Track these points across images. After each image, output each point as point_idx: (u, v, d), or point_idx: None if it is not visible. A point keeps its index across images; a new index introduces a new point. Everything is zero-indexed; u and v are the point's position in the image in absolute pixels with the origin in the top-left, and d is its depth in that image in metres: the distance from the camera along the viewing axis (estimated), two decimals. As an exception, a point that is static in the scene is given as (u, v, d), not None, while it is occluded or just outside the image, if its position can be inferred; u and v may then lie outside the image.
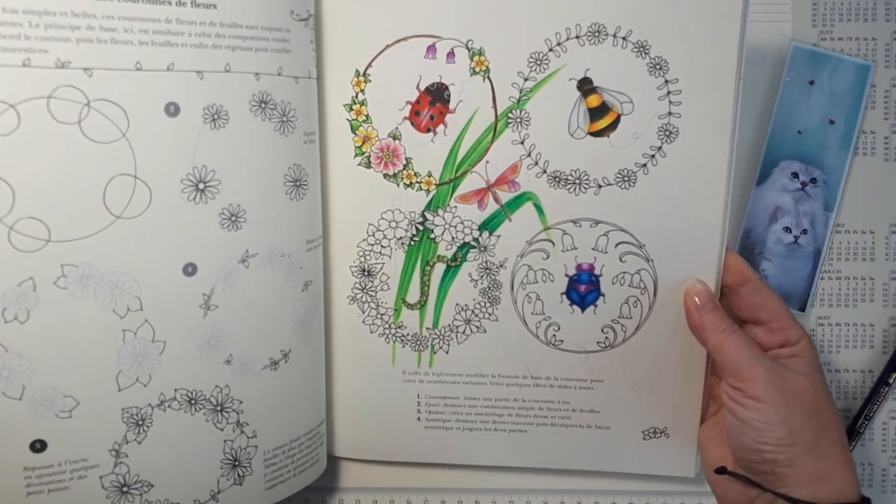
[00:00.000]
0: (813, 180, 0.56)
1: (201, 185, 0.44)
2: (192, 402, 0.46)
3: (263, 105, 0.46)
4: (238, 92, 0.45)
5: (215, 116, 0.44)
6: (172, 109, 0.43)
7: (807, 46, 0.56)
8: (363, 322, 0.55)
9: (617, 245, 0.52)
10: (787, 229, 0.57)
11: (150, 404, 0.45)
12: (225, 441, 0.47)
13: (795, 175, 0.56)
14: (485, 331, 0.54)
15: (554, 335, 0.53)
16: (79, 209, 0.41)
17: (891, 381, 0.56)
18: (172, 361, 0.45)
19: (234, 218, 0.46)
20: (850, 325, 0.58)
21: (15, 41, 0.38)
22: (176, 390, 0.45)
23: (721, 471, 0.48)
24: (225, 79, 0.44)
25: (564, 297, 0.53)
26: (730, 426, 0.46)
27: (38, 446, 0.42)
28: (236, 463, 0.48)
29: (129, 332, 0.43)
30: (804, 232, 0.57)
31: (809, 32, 0.56)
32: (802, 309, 0.58)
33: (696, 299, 0.49)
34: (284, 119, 0.47)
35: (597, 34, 0.49)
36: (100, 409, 0.43)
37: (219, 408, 0.47)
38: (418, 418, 0.56)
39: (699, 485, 0.55)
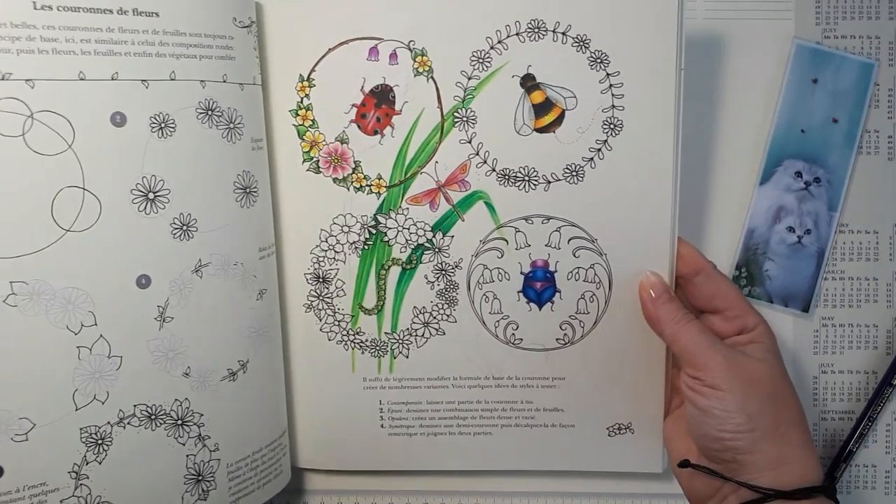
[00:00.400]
0: (816, 179, 0.56)
1: (151, 195, 0.44)
2: (152, 417, 0.45)
3: (210, 112, 0.46)
4: (184, 100, 0.45)
5: (162, 125, 0.44)
6: (118, 119, 0.42)
7: (810, 45, 0.56)
8: (321, 330, 0.55)
9: (570, 240, 0.52)
10: (791, 229, 0.57)
11: (108, 422, 0.44)
12: (187, 456, 0.47)
13: (799, 174, 0.56)
14: (444, 333, 0.54)
15: (513, 334, 0.54)
16: (26, 223, 0.40)
17: (895, 382, 0.56)
18: (130, 376, 0.44)
19: (185, 227, 0.45)
20: (853, 326, 0.58)
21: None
22: (135, 406, 0.45)
23: (684, 464, 0.48)
24: (170, 87, 0.44)
25: (521, 295, 0.53)
26: (690, 416, 0.47)
27: (-6, 472, 0.41)
28: (200, 478, 0.47)
29: (83, 349, 0.43)
30: (808, 232, 0.57)
31: (813, 31, 0.56)
32: (806, 309, 0.58)
33: (651, 292, 0.49)
34: (231, 126, 0.48)
35: (537, 30, 0.50)
36: (57, 431, 0.43)
37: (179, 422, 0.46)
38: (381, 425, 0.56)
39: (669, 481, 0.56)
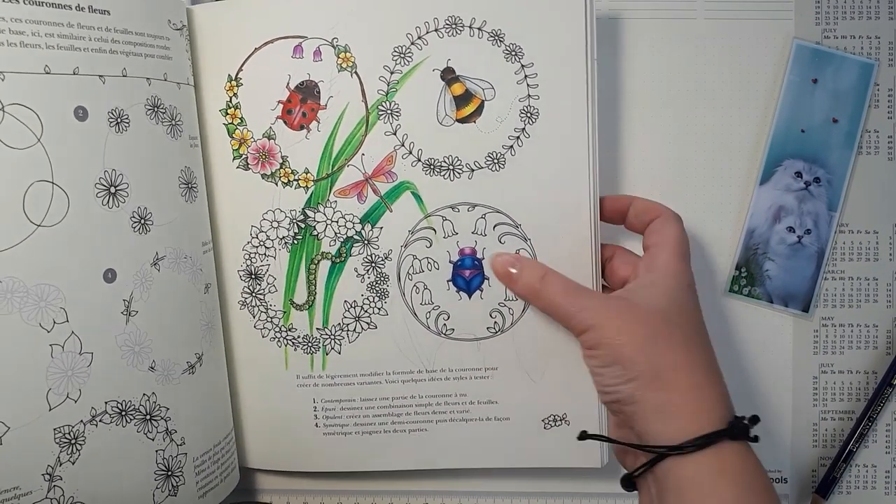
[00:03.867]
0: (816, 179, 0.59)
1: (112, 189, 0.47)
2: (123, 413, 0.48)
3: (156, 109, 0.50)
4: (134, 96, 0.49)
5: (119, 120, 0.48)
6: (81, 113, 0.46)
7: (810, 45, 0.58)
8: (254, 327, 0.59)
9: (495, 227, 0.57)
10: (791, 229, 0.59)
11: (81, 421, 0.46)
12: (157, 451, 0.50)
13: (799, 174, 0.59)
14: (376, 327, 0.59)
15: (444, 324, 0.57)
16: (1, 220, 0.43)
17: (895, 382, 0.58)
18: (101, 372, 0.47)
19: (143, 221, 0.49)
20: (853, 326, 0.60)
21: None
22: (106, 403, 0.47)
23: (582, 436, 0.51)
24: (123, 83, 0.48)
25: (451, 284, 0.57)
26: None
27: (-33, 478, 0.43)
28: (169, 473, 0.50)
29: (56, 346, 0.45)
30: (808, 232, 0.59)
31: (813, 31, 0.59)
32: (806, 310, 0.60)
33: (510, 269, 0.53)
34: (173, 123, 0.52)
35: (454, 26, 0.58)
36: (32, 433, 0.45)
37: (148, 416, 0.49)
38: (316, 425, 0.60)
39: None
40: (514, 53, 0.57)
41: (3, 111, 0.42)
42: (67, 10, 0.45)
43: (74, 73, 0.45)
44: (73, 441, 0.46)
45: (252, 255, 0.58)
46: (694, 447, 0.42)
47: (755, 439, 0.44)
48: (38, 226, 0.44)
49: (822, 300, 0.60)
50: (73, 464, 0.46)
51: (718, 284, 0.61)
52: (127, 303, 0.48)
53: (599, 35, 0.58)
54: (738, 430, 0.43)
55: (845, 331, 0.60)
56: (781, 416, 0.61)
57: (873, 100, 0.59)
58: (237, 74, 0.57)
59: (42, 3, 0.44)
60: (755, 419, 0.44)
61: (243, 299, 0.59)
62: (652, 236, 0.52)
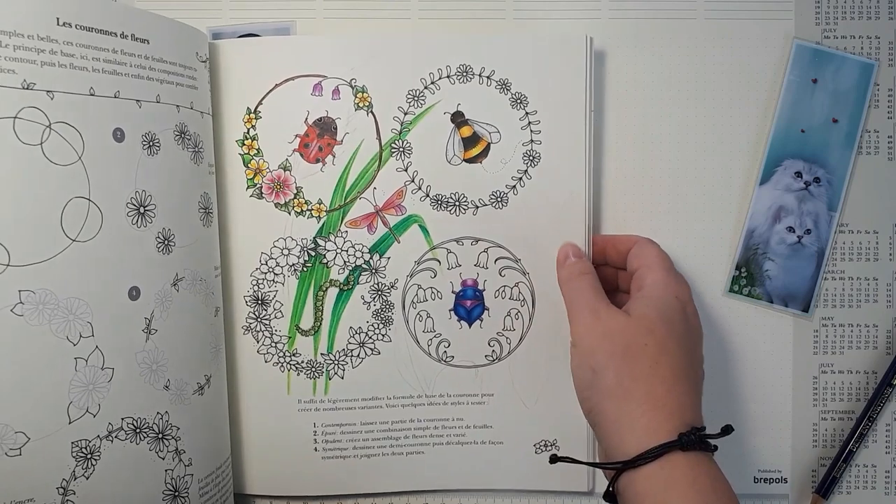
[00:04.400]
0: (816, 179, 0.59)
1: (142, 209, 0.49)
2: (137, 430, 0.49)
3: (182, 135, 0.52)
4: (165, 121, 0.51)
5: (151, 143, 0.49)
6: (119, 135, 0.47)
7: (810, 45, 0.59)
8: (258, 352, 0.61)
9: (496, 260, 0.62)
10: (791, 229, 0.60)
11: (98, 436, 0.47)
12: (166, 471, 0.51)
13: (799, 174, 0.59)
14: (379, 352, 0.62)
15: (445, 351, 0.61)
16: (38, 232, 0.44)
17: (895, 382, 0.59)
18: (120, 388, 0.48)
19: (166, 242, 0.51)
20: (853, 326, 0.61)
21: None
22: (122, 419, 0.48)
23: (552, 459, 0.52)
24: (156, 108, 0.50)
25: (452, 313, 0.61)
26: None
27: (-16, 488, 0.43)
28: (176, 493, 0.51)
29: (80, 360, 0.46)
30: (807, 232, 0.60)
31: (813, 31, 0.59)
32: (806, 310, 0.60)
33: (569, 257, 0.56)
34: (196, 149, 0.54)
35: (465, 74, 0.61)
36: (50, 445, 0.45)
37: (160, 435, 0.50)
38: (315, 448, 0.62)
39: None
40: (519, 101, 0.61)
41: (50, 128, 0.44)
42: (112, 37, 0.47)
43: (115, 97, 0.47)
44: (88, 456, 0.47)
45: (260, 282, 0.60)
46: (643, 460, 0.42)
47: (713, 449, 0.44)
48: (73, 240, 0.45)
49: (822, 300, 0.61)
50: (87, 479, 0.47)
51: (718, 284, 0.62)
52: (148, 321, 0.49)
53: (600, 35, 0.62)
54: (688, 441, 0.42)
55: (845, 331, 0.61)
56: (781, 416, 0.62)
57: (873, 100, 0.60)
58: (256, 107, 0.59)
59: (91, 28, 0.46)
60: (727, 429, 0.45)
61: (247, 324, 0.60)
62: (634, 261, 0.54)
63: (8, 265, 0.43)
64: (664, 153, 0.62)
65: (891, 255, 0.61)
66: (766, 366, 0.62)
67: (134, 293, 0.49)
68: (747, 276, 0.61)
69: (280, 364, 0.61)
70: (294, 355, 0.61)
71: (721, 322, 0.62)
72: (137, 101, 0.49)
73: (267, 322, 0.60)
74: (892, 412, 0.61)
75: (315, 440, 0.61)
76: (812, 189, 0.60)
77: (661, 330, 0.47)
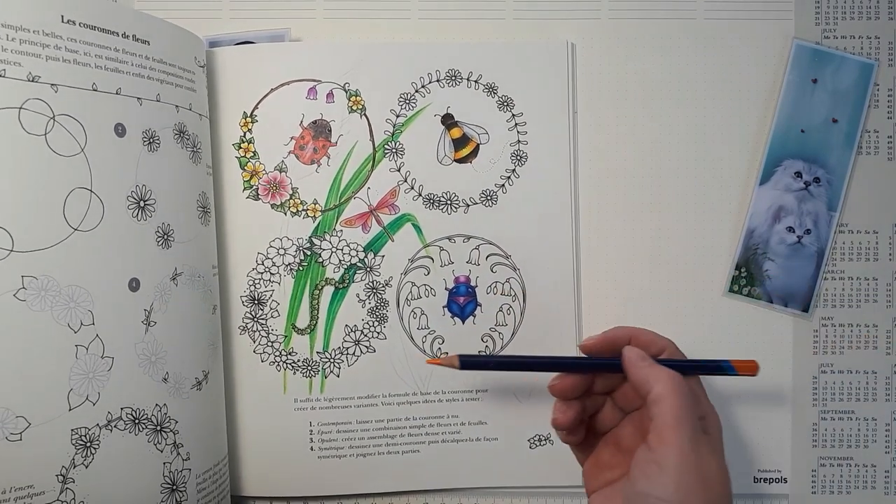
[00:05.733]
0: (816, 179, 0.59)
1: (142, 203, 0.50)
2: (136, 421, 0.50)
3: (181, 135, 0.54)
4: (165, 120, 0.52)
5: (151, 140, 0.51)
6: (120, 130, 0.49)
7: (810, 45, 0.59)
8: (254, 352, 0.62)
9: (487, 257, 0.63)
10: (791, 229, 0.60)
11: (98, 424, 0.48)
12: (164, 464, 0.51)
13: (798, 174, 0.59)
14: (374, 350, 0.63)
15: (439, 348, 0.62)
16: (41, 220, 0.45)
17: None
18: (119, 378, 0.49)
19: (166, 236, 0.52)
20: (853, 326, 0.60)
21: (-7, 53, 0.43)
22: (122, 409, 0.49)
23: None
24: (156, 107, 0.52)
25: (446, 309, 0.62)
26: (627, 497, 0.43)
27: (-16, 473, 0.44)
28: (174, 487, 0.52)
29: (81, 347, 0.47)
30: (807, 232, 0.59)
31: (812, 31, 0.59)
32: (806, 310, 0.60)
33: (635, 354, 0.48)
34: (195, 150, 0.55)
35: (454, 78, 0.63)
36: (50, 431, 0.46)
37: (158, 427, 0.51)
38: (311, 448, 0.62)
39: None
40: (506, 104, 0.63)
41: (54, 120, 0.45)
42: (115, 37, 0.49)
43: (117, 93, 0.49)
44: (88, 444, 0.47)
45: (256, 282, 0.61)
46: None
47: None
48: (75, 230, 0.46)
49: (822, 300, 0.61)
50: (86, 467, 0.47)
51: (718, 284, 0.62)
52: (147, 313, 0.50)
53: (600, 35, 0.63)
54: None
55: (845, 331, 0.61)
56: (781, 416, 0.62)
57: (873, 100, 0.60)
58: (252, 111, 0.60)
59: (94, 27, 0.48)
60: None
61: (244, 324, 0.61)
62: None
63: (11, 250, 0.44)
64: (664, 153, 0.62)
65: (891, 255, 0.61)
66: (765, 366, 0.57)
67: (134, 284, 0.50)
68: (747, 276, 0.61)
69: (276, 363, 0.62)
70: (290, 354, 0.62)
71: (721, 322, 0.62)
72: (138, 98, 0.50)
73: (263, 321, 0.61)
74: (893, 412, 0.61)
75: (311, 439, 0.62)
76: (812, 189, 0.60)
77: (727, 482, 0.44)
